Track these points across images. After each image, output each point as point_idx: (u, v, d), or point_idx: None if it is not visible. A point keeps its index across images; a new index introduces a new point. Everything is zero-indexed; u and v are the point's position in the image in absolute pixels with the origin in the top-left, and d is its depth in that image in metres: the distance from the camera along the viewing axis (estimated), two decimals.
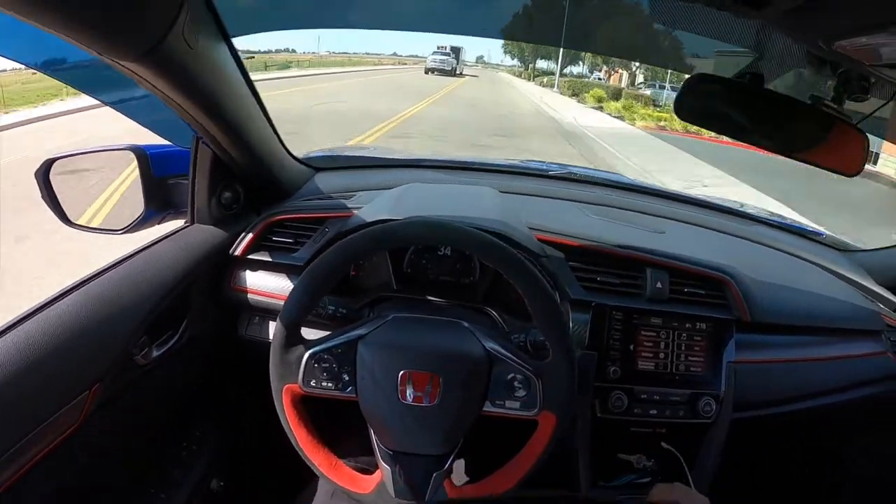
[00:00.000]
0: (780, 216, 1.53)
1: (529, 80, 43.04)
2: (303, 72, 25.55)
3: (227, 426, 1.15)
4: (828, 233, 1.44)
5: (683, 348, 1.03)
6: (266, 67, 24.08)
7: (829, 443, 1.35)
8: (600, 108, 18.82)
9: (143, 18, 0.62)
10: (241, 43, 0.86)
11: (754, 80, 0.77)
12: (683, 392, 1.03)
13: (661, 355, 1.03)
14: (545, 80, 37.16)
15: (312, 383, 0.76)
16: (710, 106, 0.79)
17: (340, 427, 0.86)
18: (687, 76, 0.79)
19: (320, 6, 1.20)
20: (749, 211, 1.49)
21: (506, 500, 0.80)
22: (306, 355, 0.76)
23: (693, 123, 0.82)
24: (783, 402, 1.12)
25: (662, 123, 15.17)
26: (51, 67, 0.89)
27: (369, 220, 0.98)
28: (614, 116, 16.93)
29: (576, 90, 25.70)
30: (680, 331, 1.03)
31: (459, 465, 1.01)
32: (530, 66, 53.11)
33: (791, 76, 0.87)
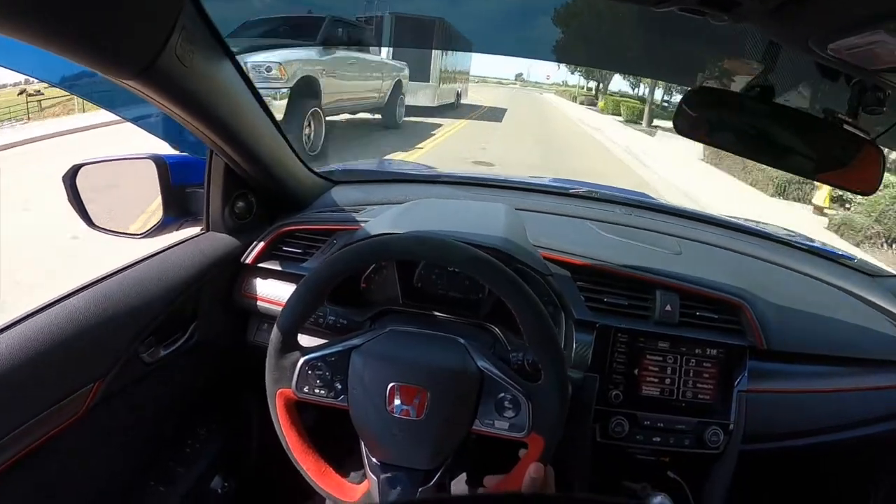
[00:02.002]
0: (808, 239, 1.46)
1: (605, 111, 25.73)
2: None
3: (232, 427, 1.17)
4: (859, 257, 1.36)
5: (692, 374, 0.99)
6: None
7: (850, 480, 1.26)
8: None
9: (135, 39, 0.64)
10: None
11: (764, 93, 0.74)
12: (690, 420, 0.99)
13: (668, 381, 0.99)
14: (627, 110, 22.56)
15: (306, 389, 0.77)
16: (714, 120, 0.77)
17: (334, 435, 0.86)
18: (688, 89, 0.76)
19: None
20: (777, 233, 1.43)
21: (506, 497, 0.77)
22: (300, 361, 0.77)
23: (693, 139, 0.79)
24: (799, 435, 1.06)
25: None
26: (66, 83, 0.94)
27: (374, 233, 0.99)
28: None
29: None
30: (689, 356, 0.99)
31: (460, 483, 1.00)
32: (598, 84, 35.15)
33: (803, 89, 0.83)
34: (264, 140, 1.02)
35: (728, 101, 0.76)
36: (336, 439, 0.87)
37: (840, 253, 1.38)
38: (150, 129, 1.06)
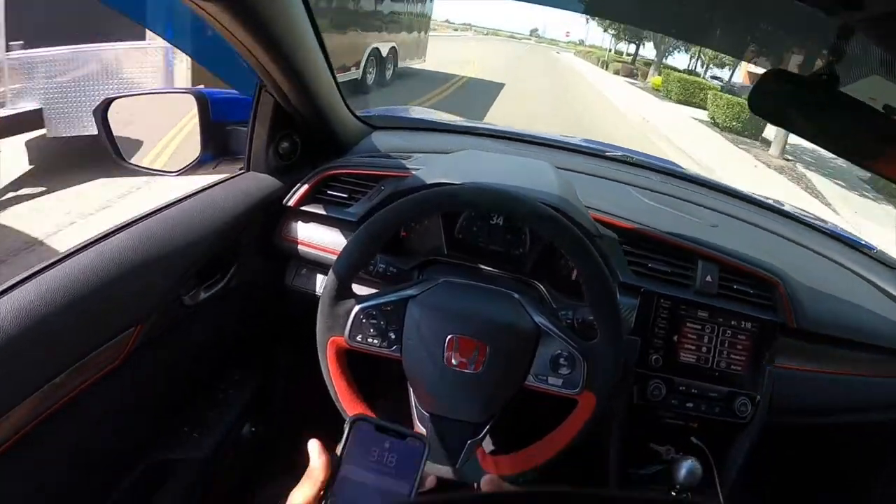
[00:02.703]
0: (833, 224, 1.49)
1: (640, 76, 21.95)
2: None
3: (264, 373, 1.17)
4: (879, 247, 1.39)
5: (727, 345, 1.01)
6: None
7: (860, 458, 1.33)
8: None
9: None
10: None
11: (830, 80, 0.74)
12: (721, 389, 1.01)
13: (704, 349, 1.01)
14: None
15: (359, 338, 0.77)
16: (783, 103, 0.77)
17: (380, 384, 0.86)
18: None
19: None
20: (802, 215, 1.45)
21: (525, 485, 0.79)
22: (355, 309, 0.77)
23: (766, 119, 0.79)
24: (818, 412, 1.10)
25: None
26: (123, 4, 0.89)
27: (428, 181, 0.97)
28: None
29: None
30: (725, 327, 1.01)
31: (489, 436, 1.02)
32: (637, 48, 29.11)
33: (867, 82, 0.83)
34: (320, 77, 0.99)
35: (799, 84, 0.76)
36: (382, 389, 0.87)
37: (862, 242, 1.40)
38: (199, 57, 1.01)
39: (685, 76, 16.02)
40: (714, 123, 12.44)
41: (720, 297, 1.01)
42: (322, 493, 0.50)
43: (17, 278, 0.66)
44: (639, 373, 1.00)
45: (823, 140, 0.79)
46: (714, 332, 1.01)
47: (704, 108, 13.46)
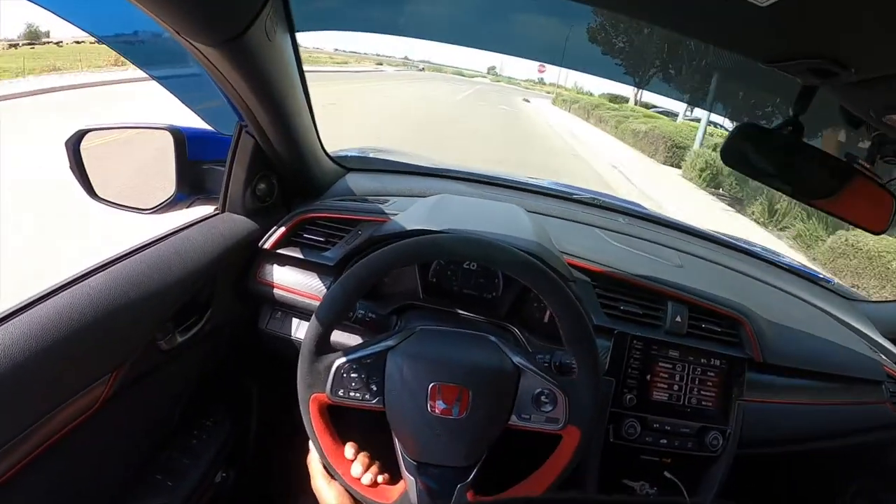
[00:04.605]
0: (790, 259, 1.57)
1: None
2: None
3: (237, 418, 1.14)
4: (837, 280, 1.48)
5: (697, 382, 1.05)
6: None
7: (825, 485, 1.38)
8: None
9: (233, 8, 0.62)
10: None
11: (795, 132, 0.79)
12: (693, 425, 1.05)
13: (676, 387, 1.05)
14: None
15: (341, 393, 0.77)
16: (751, 155, 0.82)
17: (363, 436, 0.85)
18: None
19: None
20: (762, 252, 1.53)
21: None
22: (336, 364, 0.76)
23: (735, 169, 0.84)
24: (785, 442, 1.14)
25: None
26: (109, 37, 0.88)
27: (406, 228, 0.98)
28: None
29: None
30: (695, 365, 1.05)
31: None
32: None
33: (829, 132, 0.89)
34: (302, 121, 0.99)
35: (765, 137, 0.81)
36: (367, 439, 0.86)
37: (821, 276, 1.49)
38: (180, 94, 1.00)
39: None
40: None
41: (689, 335, 1.06)
42: None
43: None
44: (613, 412, 1.02)
45: (785, 186, 0.84)
46: (685, 370, 1.05)
47: None
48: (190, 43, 0.66)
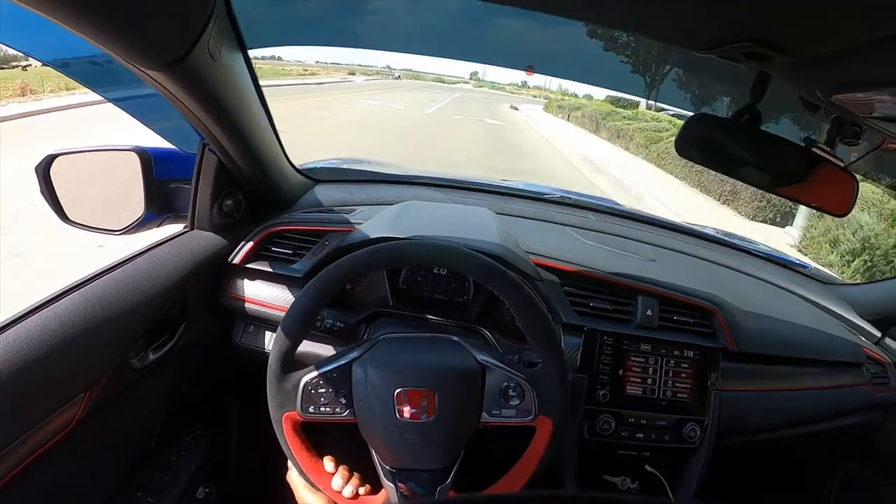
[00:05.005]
0: (767, 247, 1.57)
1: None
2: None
3: (216, 433, 1.14)
4: (813, 265, 1.48)
5: (671, 375, 1.05)
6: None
7: (810, 470, 1.38)
8: None
9: (173, 30, 0.63)
10: None
11: (752, 120, 0.80)
12: (669, 417, 1.05)
13: (650, 381, 1.05)
14: None
15: (311, 409, 0.77)
16: (708, 144, 0.82)
17: (342, 449, 0.86)
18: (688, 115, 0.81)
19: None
20: (737, 242, 1.53)
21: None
22: (303, 381, 0.77)
23: (692, 160, 0.84)
24: (766, 429, 1.14)
25: None
26: (59, 62, 0.89)
27: (371, 236, 0.99)
28: None
29: None
30: (668, 357, 1.06)
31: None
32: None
33: (787, 118, 0.90)
34: (263, 137, 1.00)
35: (722, 126, 0.81)
36: (343, 450, 0.87)
37: (797, 262, 1.49)
38: (139, 115, 1.01)
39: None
40: None
41: (661, 328, 1.06)
42: None
43: None
44: (588, 409, 1.03)
45: (746, 175, 0.84)
46: (658, 364, 1.05)
47: None
48: (136, 67, 0.67)
